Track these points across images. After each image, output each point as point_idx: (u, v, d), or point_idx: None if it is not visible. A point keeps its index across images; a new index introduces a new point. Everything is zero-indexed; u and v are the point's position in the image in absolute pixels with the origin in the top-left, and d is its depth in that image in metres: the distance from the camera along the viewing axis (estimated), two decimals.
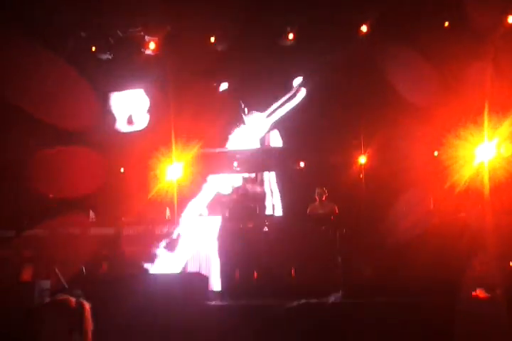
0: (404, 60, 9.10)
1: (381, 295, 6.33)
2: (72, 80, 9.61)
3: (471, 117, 8.37)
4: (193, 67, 9.97)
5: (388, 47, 9.28)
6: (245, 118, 10.95)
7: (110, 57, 10.55)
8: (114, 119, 11.05)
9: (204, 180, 10.43)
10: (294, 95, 10.82)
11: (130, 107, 11.11)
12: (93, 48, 10.44)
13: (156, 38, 10.37)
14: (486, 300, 5.52)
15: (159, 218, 8.53)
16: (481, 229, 6.80)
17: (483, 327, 4.99)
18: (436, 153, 9.45)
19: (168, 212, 8.72)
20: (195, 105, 9.71)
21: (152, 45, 10.37)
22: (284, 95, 10.84)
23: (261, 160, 10.79)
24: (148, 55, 10.49)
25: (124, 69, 10.56)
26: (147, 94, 11.04)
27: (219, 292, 6.86)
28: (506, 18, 9.12)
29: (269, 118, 10.97)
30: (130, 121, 11.05)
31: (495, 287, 5.61)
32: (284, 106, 10.89)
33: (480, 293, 5.86)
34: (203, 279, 6.38)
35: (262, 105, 10.94)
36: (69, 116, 9.23)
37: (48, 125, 9.19)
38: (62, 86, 9.59)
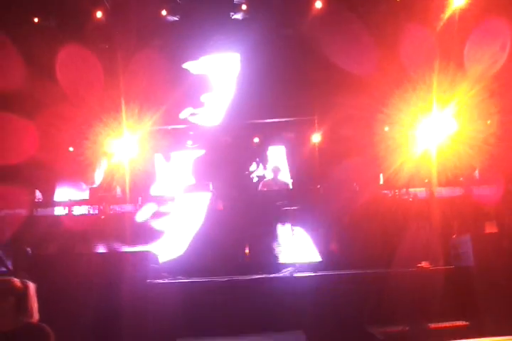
0: (354, 37, 9.11)
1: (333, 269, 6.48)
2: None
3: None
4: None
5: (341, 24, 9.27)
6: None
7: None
8: None
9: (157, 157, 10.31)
10: None
11: None
12: None
13: None
14: (430, 271, 5.74)
15: (110, 196, 8.32)
16: (426, 203, 7.01)
17: (423, 297, 5.20)
18: (386, 128, 9.55)
19: (118, 190, 8.53)
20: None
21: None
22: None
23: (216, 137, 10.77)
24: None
25: None
26: None
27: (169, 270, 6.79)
28: None
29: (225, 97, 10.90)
30: None
31: (438, 259, 5.83)
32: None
33: (425, 264, 6.09)
34: (149, 257, 6.32)
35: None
36: None
37: None
38: None
